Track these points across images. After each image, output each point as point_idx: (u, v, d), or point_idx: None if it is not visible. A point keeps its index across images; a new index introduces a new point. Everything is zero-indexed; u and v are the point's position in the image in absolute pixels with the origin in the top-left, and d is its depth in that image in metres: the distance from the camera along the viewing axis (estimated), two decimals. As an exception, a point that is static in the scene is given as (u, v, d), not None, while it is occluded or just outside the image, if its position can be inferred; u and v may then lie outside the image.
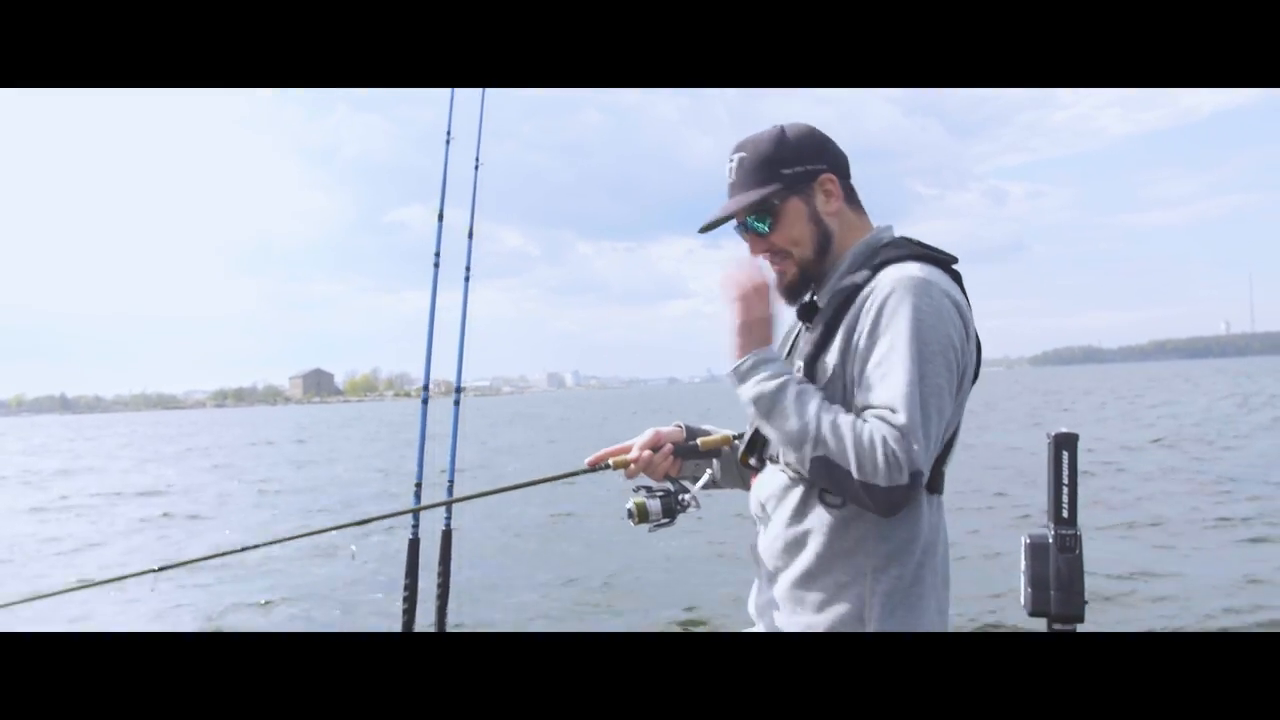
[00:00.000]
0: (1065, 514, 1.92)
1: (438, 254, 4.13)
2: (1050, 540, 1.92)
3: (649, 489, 2.07)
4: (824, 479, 1.72)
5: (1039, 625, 1.93)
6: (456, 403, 4.02)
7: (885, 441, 1.64)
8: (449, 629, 3.36)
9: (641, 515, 2.04)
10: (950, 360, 1.75)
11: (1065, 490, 1.92)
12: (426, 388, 3.94)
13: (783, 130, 1.95)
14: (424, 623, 3.38)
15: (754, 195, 1.92)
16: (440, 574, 3.49)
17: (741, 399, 1.83)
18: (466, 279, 4.21)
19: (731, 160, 1.98)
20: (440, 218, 4.21)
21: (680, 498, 2.05)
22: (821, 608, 1.81)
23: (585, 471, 2.13)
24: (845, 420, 1.69)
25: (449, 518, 3.66)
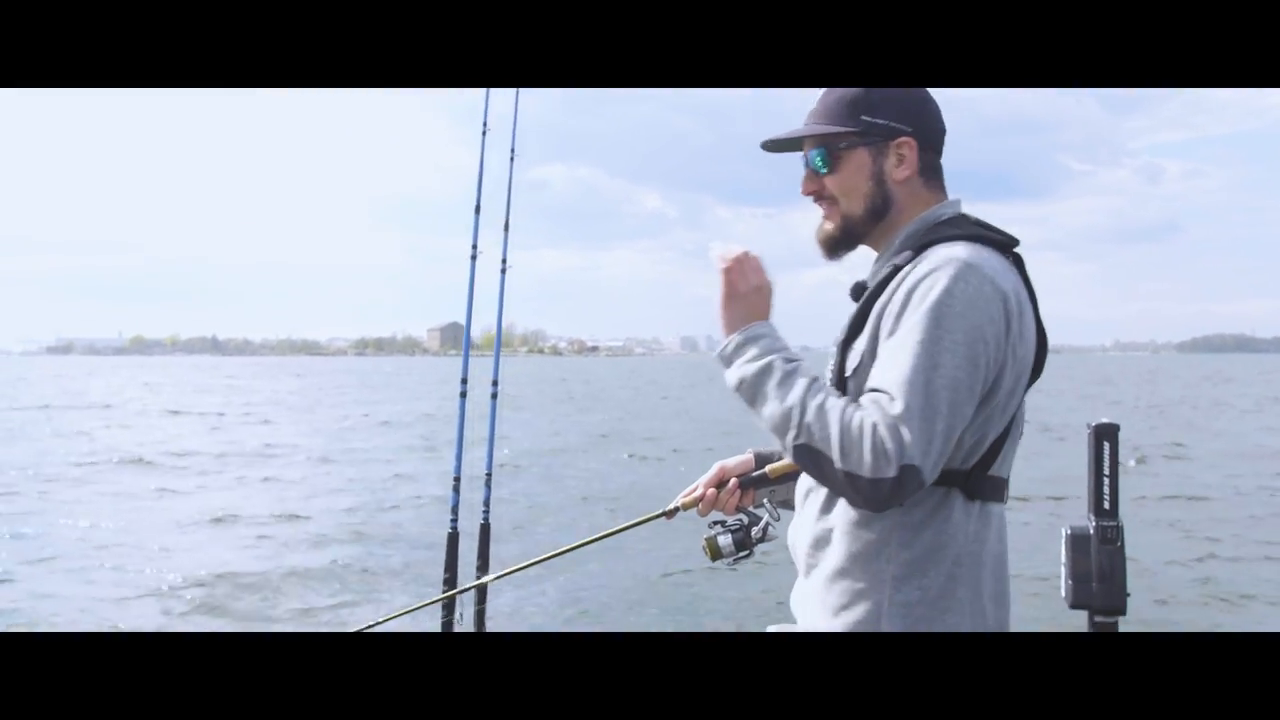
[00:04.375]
0: (1106, 505, 1.88)
1: (475, 246, 4.15)
2: (1092, 532, 1.89)
3: (722, 524, 2.04)
4: (808, 467, 1.60)
5: (1080, 617, 1.90)
6: (494, 396, 4.03)
7: (875, 429, 1.51)
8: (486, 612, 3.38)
9: (714, 552, 2.02)
10: (977, 353, 1.58)
11: (1106, 481, 1.88)
12: (465, 381, 3.95)
13: None
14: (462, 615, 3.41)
15: (822, 129, 1.82)
16: (479, 567, 3.51)
17: (727, 385, 1.69)
18: (503, 271, 4.22)
19: (817, 95, 1.87)
20: (477, 210, 4.23)
21: (753, 529, 2.02)
22: (838, 612, 1.70)
23: (657, 516, 2.12)
24: (834, 405, 1.56)
25: (486, 511, 3.69)
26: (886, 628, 1.65)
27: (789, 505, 2.08)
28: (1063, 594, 1.92)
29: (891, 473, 1.49)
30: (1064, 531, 1.92)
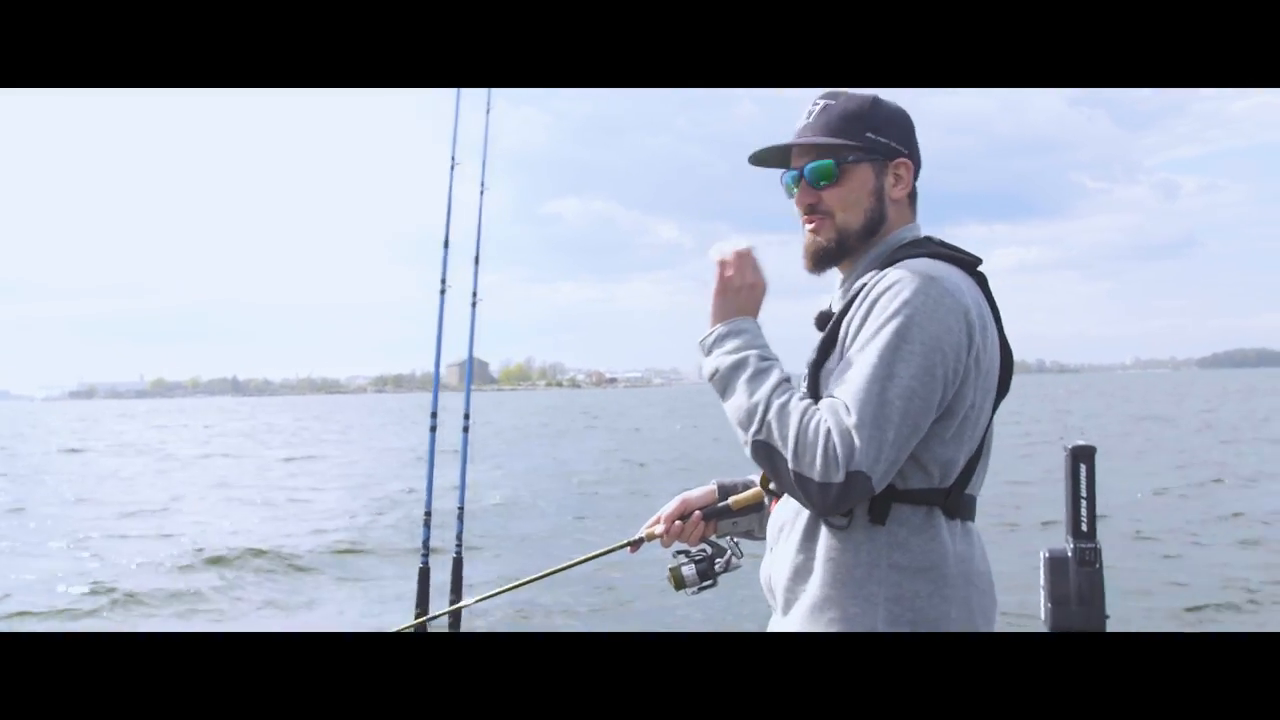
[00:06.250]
0: (1084, 527, 1.88)
1: (444, 280, 4.12)
2: (1070, 554, 1.88)
3: (686, 553, 2.05)
4: (764, 464, 1.65)
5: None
6: (465, 430, 3.99)
7: (829, 435, 1.55)
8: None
9: (678, 582, 2.03)
10: (934, 363, 1.60)
11: (1084, 503, 1.88)
12: (435, 415, 3.91)
13: (878, 98, 1.84)
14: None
15: (831, 140, 1.80)
16: (452, 600, 3.47)
17: (702, 373, 1.75)
18: (474, 304, 4.20)
19: (815, 104, 1.84)
20: (445, 245, 4.21)
21: (716, 560, 2.03)
22: None
23: (621, 547, 2.13)
24: (796, 406, 1.61)
25: (460, 546, 3.64)
26: None
27: (752, 536, 2.10)
28: (1042, 617, 1.92)
29: (839, 479, 1.54)
30: (1042, 554, 1.91)
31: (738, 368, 1.68)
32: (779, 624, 1.81)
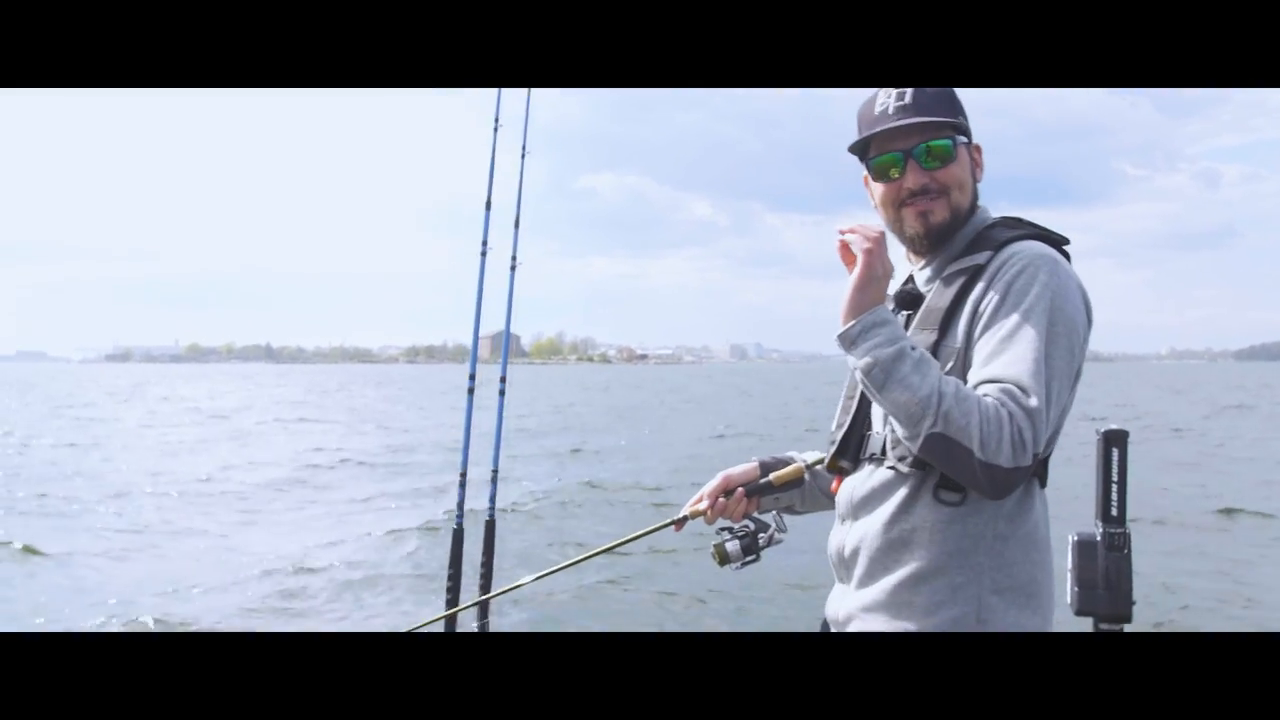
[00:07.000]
0: (1114, 512, 1.88)
1: (485, 242, 4.14)
2: (1098, 539, 1.89)
3: (730, 530, 2.08)
4: (938, 455, 1.62)
5: (1085, 625, 1.91)
6: (501, 394, 4.03)
7: (1013, 420, 1.56)
8: (490, 615, 3.38)
9: (722, 558, 2.06)
10: (1072, 344, 1.68)
11: (1115, 488, 1.88)
12: (473, 376, 3.96)
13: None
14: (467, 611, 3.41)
15: (953, 120, 1.82)
16: (484, 564, 3.52)
17: (851, 367, 1.70)
18: (513, 268, 4.22)
19: (901, 92, 1.82)
20: (488, 206, 4.23)
21: (759, 535, 2.06)
22: (933, 611, 1.73)
23: (666, 525, 2.14)
24: (969, 395, 1.60)
25: (492, 508, 3.69)
26: (986, 617, 1.70)
27: (794, 511, 2.15)
28: (1068, 600, 1.92)
29: (1027, 462, 1.57)
30: (1070, 538, 1.92)
31: (899, 360, 1.63)
32: (851, 596, 1.85)
